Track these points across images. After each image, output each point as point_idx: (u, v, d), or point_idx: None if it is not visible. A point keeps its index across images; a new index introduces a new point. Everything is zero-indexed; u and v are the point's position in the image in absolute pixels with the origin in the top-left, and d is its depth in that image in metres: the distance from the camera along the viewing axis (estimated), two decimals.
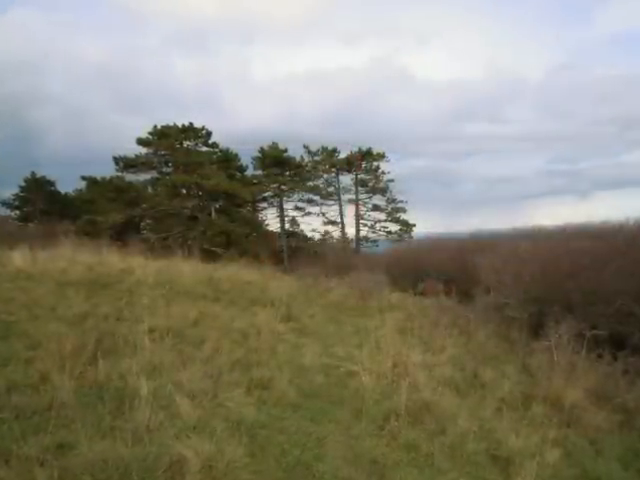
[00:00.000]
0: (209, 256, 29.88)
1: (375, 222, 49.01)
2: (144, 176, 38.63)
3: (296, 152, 45.96)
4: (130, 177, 39.19)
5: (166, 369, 7.72)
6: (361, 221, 48.83)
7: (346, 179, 48.67)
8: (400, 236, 48.02)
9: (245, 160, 44.45)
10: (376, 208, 48.69)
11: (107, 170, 40.94)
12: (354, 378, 8.77)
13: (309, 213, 47.30)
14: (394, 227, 48.62)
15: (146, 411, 6.06)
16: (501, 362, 11.39)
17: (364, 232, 49.25)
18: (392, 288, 22.62)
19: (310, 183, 45.80)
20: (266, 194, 45.05)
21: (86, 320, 10.11)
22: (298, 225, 47.75)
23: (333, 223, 48.54)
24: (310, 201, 46.71)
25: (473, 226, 57.65)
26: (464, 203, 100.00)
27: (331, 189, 48.12)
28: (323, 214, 48.01)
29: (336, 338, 12.41)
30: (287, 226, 45.97)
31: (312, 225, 48.35)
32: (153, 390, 6.61)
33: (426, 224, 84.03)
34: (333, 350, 11.05)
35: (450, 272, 22.63)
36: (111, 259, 18.61)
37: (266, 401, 7.36)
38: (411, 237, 47.60)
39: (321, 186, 47.21)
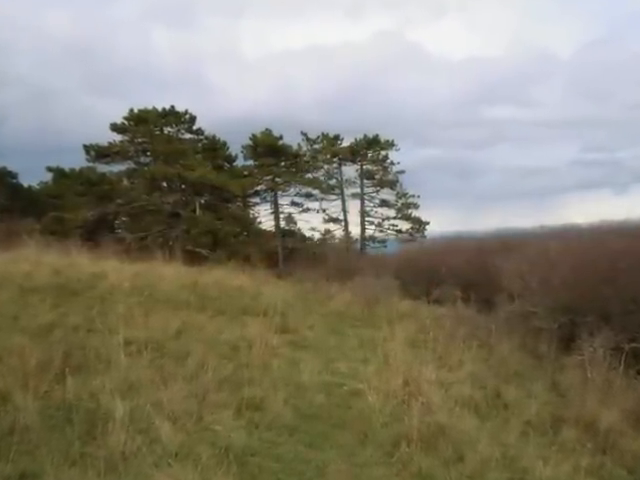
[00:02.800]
0: (193, 258, 29.83)
1: (383, 219, 48.93)
2: (119, 167, 38.50)
3: (293, 140, 45.73)
4: (103, 168, 39.00)
5: (144, 388, 7.71)
6: (367, 218, 48.80)
7: (350, 170, 48.61)
8: (411, 235, 47.95)
9: (234, 149, 44.33)
10: (384, 204, 48.59)
11: (77, 160, 40.79)
12: (359, 398, 8.77)
13: (307, 209, 47.02)
14: (405, 225, 48.55)
15: (121, 435, 6.05)
16: (527, 379, 11.39)
17: (370, 231, 49.20)
18: (402, 295, 22.61)
19: (309, 175, 45.60)
20: (258, 188, 44.85)
21: (53, 331, 10.11)
22: (295, 223, 47.65)
23: (335, 221, 48.46)
24: (309, 196, 46.41)
25: (495, 224, 57.61)
26: (485, 198, 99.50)
27: (333, 182, 48.02)
28: (323, 210, 47.82)
29: (338, 352, 12.42)
30: (282, 224, 45.89)
31: (311, 223, 47.77)
32: (129, 411, 6.61)
33: (441, 222, 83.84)
34: (335, 366, 11.05)
35: (469, 277, 22.60)
36: (81, 262, 18.62)
37: (258, 424, 7.35)
38: (424, 237, 47.52)
39: (321, 179, 47.04)
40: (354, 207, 48.54)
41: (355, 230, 48.63)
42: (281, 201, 45.39)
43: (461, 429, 7.76)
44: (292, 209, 46.66)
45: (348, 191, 48.53)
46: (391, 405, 8.40)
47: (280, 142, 43.21)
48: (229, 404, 7.70)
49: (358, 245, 47.79)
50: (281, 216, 45.46)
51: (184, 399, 7.39)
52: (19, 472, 5.34)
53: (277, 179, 43.79)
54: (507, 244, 23.56)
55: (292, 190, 45.49)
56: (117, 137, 37.33)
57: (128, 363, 8.43)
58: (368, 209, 48.61)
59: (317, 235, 48.27)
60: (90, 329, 10.73)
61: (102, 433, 6.15)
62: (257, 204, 46.57)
